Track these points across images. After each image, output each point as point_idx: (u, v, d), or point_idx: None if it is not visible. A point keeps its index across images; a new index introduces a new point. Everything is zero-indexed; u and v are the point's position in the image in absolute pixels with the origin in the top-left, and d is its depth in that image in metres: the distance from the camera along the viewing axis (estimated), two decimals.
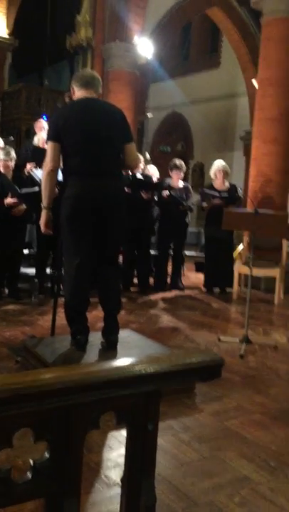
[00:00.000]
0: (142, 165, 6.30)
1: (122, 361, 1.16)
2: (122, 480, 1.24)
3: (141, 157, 6.26)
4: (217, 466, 2.28)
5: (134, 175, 5.91)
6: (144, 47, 8.89)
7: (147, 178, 6.26)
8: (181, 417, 2.78)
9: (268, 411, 2.94)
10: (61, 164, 3.27)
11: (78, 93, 3.32)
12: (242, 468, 2.28)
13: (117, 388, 1.10)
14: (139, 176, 6.06)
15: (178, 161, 6.61)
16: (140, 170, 6.21)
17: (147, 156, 10.11)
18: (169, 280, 6.59)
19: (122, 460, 1.27)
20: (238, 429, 2.68)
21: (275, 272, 6.16)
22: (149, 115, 12.01)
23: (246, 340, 4.18)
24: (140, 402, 1.19)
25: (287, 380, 3.49)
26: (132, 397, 1.16)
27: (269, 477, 2.22)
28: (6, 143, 6.08)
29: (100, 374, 1.08)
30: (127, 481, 1.22)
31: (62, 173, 3.31)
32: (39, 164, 4.78)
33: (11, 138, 8.92)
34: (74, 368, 1.13)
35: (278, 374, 3.61)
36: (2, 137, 6.46)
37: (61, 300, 3.47)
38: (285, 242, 6.64)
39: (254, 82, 8.43)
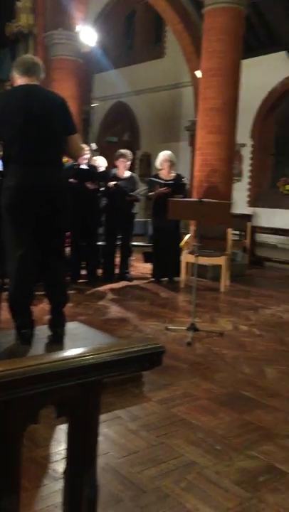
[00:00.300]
0: (87, 155, 6.22)
1: (60, 353, 1.14)
2: (64, 473, 1.23)
3: (86, 147, 6.19)
4: (164, 453, 2.31)
5: (78, 165, 5.83)
6: (87, 35, 8.74)
7: (92, 168, 6.20)
8: (129, 406, 2.79)
9: (215, 396, 2.99)
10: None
11: (19, 80, 3.22)
12: (189, 453, 2.32)
13: (55, 381, 1.08)
14: (84, 166, 5.99)
15: (124, 150, 6.59)
16: (86, 160, 6.14)
17: (94, 146, 10.00)
18: (117, 271, 6.57)
19: None
20: (185, 415, 2.72)
21: (220, 260, 6.28)
22: (95, 104, 11.87)
23: (193, 328, 4.24)
24: (80, 394, 1.17)
25: (233, 366, 3.57)
26: (71, 388, 1.14)
27: (215, 460, 2.26)
28: None
29: (36, 367, 1.06)
30: (68, 473, 1.21)
31: (2, 161, 3.21)
32: None
33: None
34: (8, 362, 1.10)
35: (224, 360, 3.68)
36: None
37: (6, 294, 3.38)
38: (230, 231, 6.78)
39: (198, 72, 8.49)
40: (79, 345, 3.10)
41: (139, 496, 1.98)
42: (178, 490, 2.03)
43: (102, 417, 2.58)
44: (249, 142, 12.17)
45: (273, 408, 2.86)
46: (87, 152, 6.21)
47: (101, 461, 2.19)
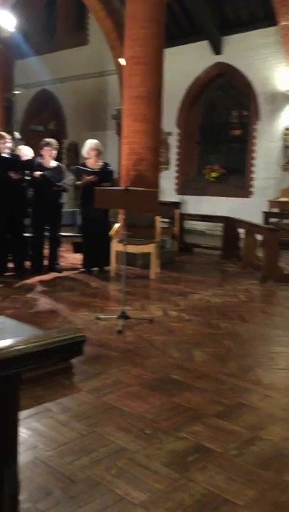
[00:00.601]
0: (9, 144, 6.04)
1: None
2: None
3: (7, 136, 6.00)
4: (95, 442, 2.31)
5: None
6: (6, 19, 8.44)
7: (16, 157, 6.02)
8: (59, 398, 2.76)
9: (145, 382, 3.03)
10: None
11: None
12: (119, 440, 2.33)
13: None
14: (5, 155, 5.80)
15: (48, 139, 6.46)
16: (7, 150, 5.95)
17: (17, 135, 9.73)
18: (46, 262, 6.46)
19: None
20: (115, 403, 2.73)
21: (150, 248, 6.34)
22: (17, 92, 11.51)
23: (124, 316, 4.26)
24: None
25: (163, 351, 3.63)
26: None
27: (145, 445, 2.30)
28: None
29: None
30: None
31: None
32: None
33: None
34: None
35: (154, 346, 3.74)
36: None
37: None
38: (158, 219, 6.85)
39: (121, 60, 8.45)
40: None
41: (70, 486, 1.97)
42: (109, 477, 2.04)
43: (32, 410, 2.56)
44: (175, 131, 12.32)
45: (201, 389, 2.94)
46: (9, 141, 6.02)
47: (29, 455, 2.16)
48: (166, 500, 1.89)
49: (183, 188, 12.33)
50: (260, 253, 6.92)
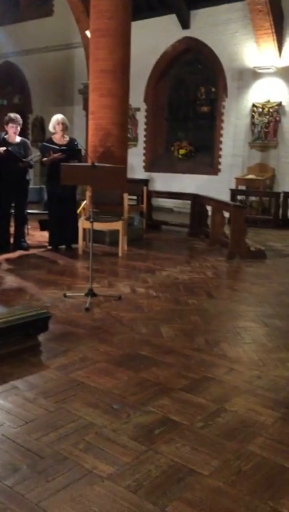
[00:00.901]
0: None
1: None
2: None
3: None
4: (63, 418, 2.32)
5: None
6: None
7: None
8: (27, 375, 2.75)
9: (112, 358, 3.05)
10: None
11: None
12: (87, 415, 2.35)
13: None
14: None
15: (13, 114, 6.28)
16: None
17: None
18: (12, 240, 6.36)
19: None
20: (83, 379, 2.74)
21: (118, 225, 6.31)
22: None
23: (91, 293, 4.25)
24: None
25: (131, 327, 3.65)
26: None
27: (112, 419, 2.32)
28: None
29: None
30: None
31: None
32: None
33: None
34: None
35: (122, 322, 3.75)
36: None
37: None
38: (126, 196, 6.80)
39: (88, 33, 8.24)
40: None
41: (37, 462, 1.98)
42: (76, 452, 2.05)
43: None
44: (143, 107, 12.18)
45: (168, 364, 2.98)
46: None
47: None
48: (133, 473, 1.93)
49: (151, 165, 12.26)
50: (227, 230, 6.99)
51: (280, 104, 10.02)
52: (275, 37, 9.61)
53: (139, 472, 1.93)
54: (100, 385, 2.67)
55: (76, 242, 6.36)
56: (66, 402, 2.47)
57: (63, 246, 6.52)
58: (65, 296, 4.34)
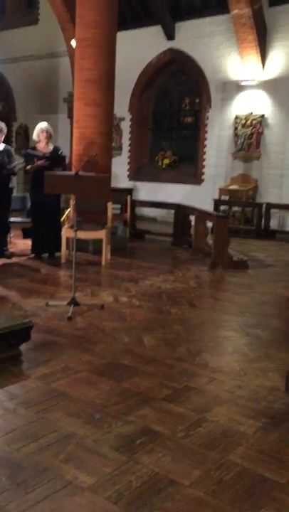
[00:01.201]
0: None
1: None
2: None
3: None
4: (43, 428, 2.30)
5: None
6: None
7: None
8: (7, 385, 2.73)
9: (94, 368, 3.04)
10: None
11: None
12: (68, 425, 2.34)
13: None
14: None
15: None
16: None
17: None
18: None
19: None
20: (65, 389, 2.72)
21: (101, 234, 6.31)
22: None
23: (74, 302, 4.24)
24: None
25: (113, 337, 3.64)
26: None
27: (94, 429, 2.31)
28: None
29: None
30: None
31: None
32: None
33: None
34: None
35: (104, 332, 3.74)
36: None
37: None
38: (110, 205, 6.81)
39: (73, 42, 8.28)
40: None
41: (17, 473, 1.96)
42: (57, 462, 2.04)
43: None
44: (128, 116, 12.24)
45: (150, 374, 2.98)
46: None
47: None
48: (114, 483, 1.92)
49: (135, 174, 12.30)
50: (210, 240, 7.04)
51: (262, 117, 10.16)
52: (258, 50, 9.76)
53: (120, 483, 1.92)
54: (81, 394, 2.66)
55: (59, 250, 6.34)
56: (47, 412, 2.45)
57: (46, 254, 6.49)
58: (47, 305, 4.32)
